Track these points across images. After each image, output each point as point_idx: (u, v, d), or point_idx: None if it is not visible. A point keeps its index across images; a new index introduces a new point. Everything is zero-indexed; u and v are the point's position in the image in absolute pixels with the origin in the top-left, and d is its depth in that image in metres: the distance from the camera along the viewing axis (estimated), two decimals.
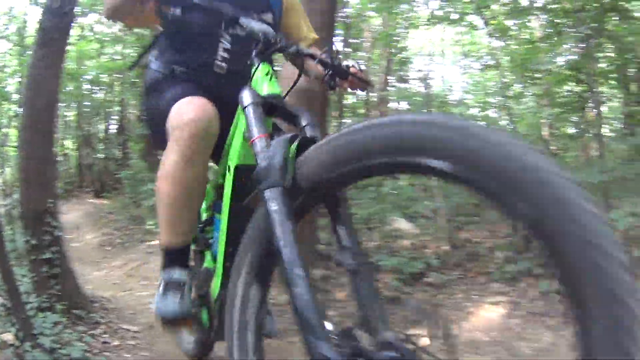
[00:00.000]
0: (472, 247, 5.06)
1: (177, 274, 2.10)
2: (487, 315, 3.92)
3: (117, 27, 12.96)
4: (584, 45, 5.93)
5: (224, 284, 2.03)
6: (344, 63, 2.11)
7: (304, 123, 1.72)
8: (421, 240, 5.46)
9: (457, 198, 6.16)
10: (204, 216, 2.62)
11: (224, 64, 2.31)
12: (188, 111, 1.96)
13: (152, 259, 6.51)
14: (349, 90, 2.26)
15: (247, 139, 1.67)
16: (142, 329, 3.92)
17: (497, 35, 7.80)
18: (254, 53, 1.91)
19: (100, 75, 14.17)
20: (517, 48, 7.90)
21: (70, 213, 9.98)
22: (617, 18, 5.95)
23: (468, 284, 4.50)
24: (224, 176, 2.10)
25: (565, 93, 7.30)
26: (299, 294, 1.24)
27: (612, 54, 6.71)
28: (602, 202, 4.66)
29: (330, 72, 2.01)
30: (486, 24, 7.84)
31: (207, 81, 2.28)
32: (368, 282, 1.42)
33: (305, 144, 1.46)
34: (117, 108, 15.21)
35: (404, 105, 8.80)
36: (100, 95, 15.40)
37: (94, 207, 11.31)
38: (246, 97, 1.72)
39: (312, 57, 1.97)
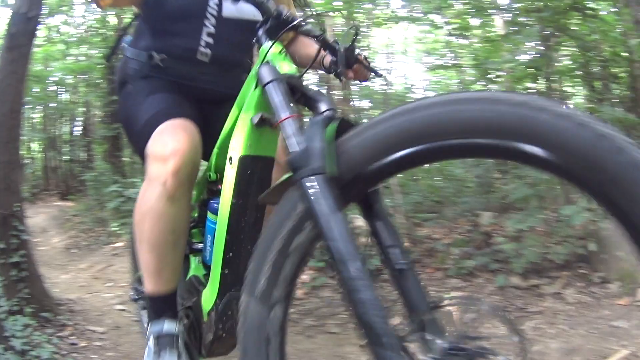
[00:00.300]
0: (431, 244, 5.15)
1: (167, 326, 1.87)
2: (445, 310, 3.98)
3: (82, 28, 12.83)
4: (546, 43, 6.05)
5: (220, 294, 1.80)
6: (355, 50, 1.89)
7: (324, 108, 1.52)
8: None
9: (416, 196, 6.26)
10: None
11: (207, 50, 2.08)
12: (171, 140, 1.75)
13: (117, 261, 6.56)
14: (352, 80, 2.08)
15: (273, 121, 1.52)
16: (108, 330, 3.97)
17: (458, 33, 7.89)
18: (261, 31, 1.75)
19: (65, 77, 13.97)
20: (480, 47, 8.00)
21: (37, 216, 9.85)
22: (580, 17, 6.07)
23: (425, 280, 4.58)
24: (217, 171, 1.95)
25: (528, 91, 7.40)
26: (361, 299, 1.07)
27: (576, 52, 6.82)
28: (562, 198, 4.76)
29: (336, 59, 1.82)
30: (447, 22, 7.94)
31: (189, 72, 2.10)
32: (416, 281, 1.29)
33: (344, 126, 1.29)
34: (82, 109, 15.02)
35: (365, 103, 8.81)
36: (65, 97, 15.18)
37: (59, 209, 11.16)
38: (266, 73, 1.55)
39: (324, 40, 1.80)
